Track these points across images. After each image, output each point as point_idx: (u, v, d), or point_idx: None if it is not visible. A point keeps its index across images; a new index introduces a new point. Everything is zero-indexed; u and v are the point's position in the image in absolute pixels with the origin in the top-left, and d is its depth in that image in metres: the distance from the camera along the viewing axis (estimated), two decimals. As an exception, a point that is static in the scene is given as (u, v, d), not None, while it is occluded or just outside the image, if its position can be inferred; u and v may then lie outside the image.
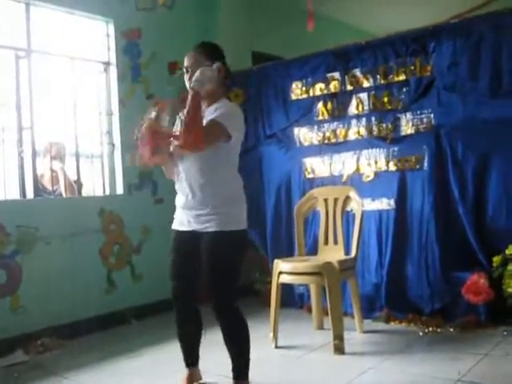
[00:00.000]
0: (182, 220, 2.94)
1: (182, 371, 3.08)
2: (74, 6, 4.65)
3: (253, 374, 3.17)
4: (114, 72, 4.94)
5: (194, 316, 3.03)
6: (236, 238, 2.81)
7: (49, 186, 4.73)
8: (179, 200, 2.96)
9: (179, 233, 2.97)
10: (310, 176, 4.87)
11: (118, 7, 4.91)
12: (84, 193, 4.89)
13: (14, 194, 4.32)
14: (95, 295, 4.58)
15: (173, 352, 3.76)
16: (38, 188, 4.49)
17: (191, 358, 3.09)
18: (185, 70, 2.92)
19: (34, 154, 4.38)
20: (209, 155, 2.75)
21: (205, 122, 2.73)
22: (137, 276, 4.92)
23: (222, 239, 2.78)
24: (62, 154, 4.86)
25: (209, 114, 2.81)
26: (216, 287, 2.78)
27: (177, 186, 2.96)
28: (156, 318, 4.78)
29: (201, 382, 3.12)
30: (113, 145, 4.94)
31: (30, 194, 4.36)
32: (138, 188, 4.97)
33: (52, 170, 4.70)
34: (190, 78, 2.83)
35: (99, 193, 4.92)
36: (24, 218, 4.15)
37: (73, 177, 4.85)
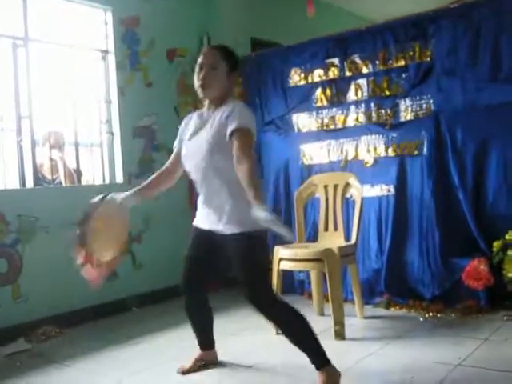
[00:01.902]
0: (204, 219, 2.94)
1: (184, 358, 3.11)
2: (71, -7, 4.63)
3: (254, 360, 3.21)
4: (112, 60, 4.91)
5: (203, 305, 3.10)
6: (262, 236, 2.81)
7: (48, 175, 4.73)
8: (200, 199, 2.95)
9: (199, 229, 2.98)
10: (309, 162, 4.86)
11: (117, -5, 4.89)
12: (84, 182, 4.89)
13: (13, 184, 4.31)
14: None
15: (173, 339, 3.80)
16: (38, 177, 4.48)
17: (202, 342, 3.17)
18: (199, 66, 2.85)
19: (33, 144, 4.37)
20: (228, 157, 2.72)
21: (227, 129, 2.71)
22: (137, 264, 4.92)
23: (253, 240, 2.75)
24: (61, 143, 4.85)
25: (218, 116, 2.79)
26: (256, 287, 2.75)
27: (196, 184, 2.93)
28: (156, 305, 4.80)
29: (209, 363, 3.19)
30: (112, 133, 4.93)
31: (29, 184, 4.35)
32: (138, 176, 4.95)
33: (51, 159, 4.70)
34: (204, 77, 2.80)
35: (99, 181, 4.92)
36: (24, 207, 4.15)
37: (72, 166, 4.85)
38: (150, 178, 3.07)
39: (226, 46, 2.94)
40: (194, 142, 2.88)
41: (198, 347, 3.20)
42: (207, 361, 3.20)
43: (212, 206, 2.86)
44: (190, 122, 3.01)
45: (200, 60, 2.85)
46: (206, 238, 2.92)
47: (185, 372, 3.13)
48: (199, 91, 2.85)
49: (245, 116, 2.76)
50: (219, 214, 2.81)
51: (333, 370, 2.76)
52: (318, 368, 2.76)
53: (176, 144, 3.07)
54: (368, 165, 4.51)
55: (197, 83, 2.85)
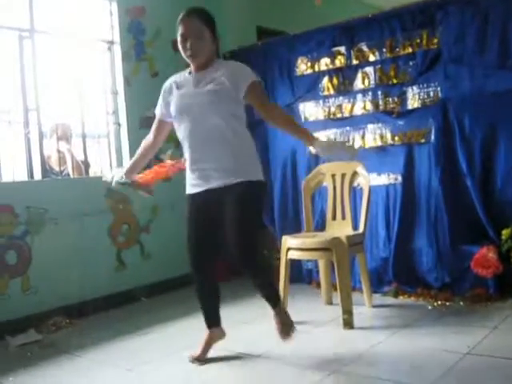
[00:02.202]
0: (199, 181, 2.96)
1: (194, 347, 3.12)
2: (76, -16, 4.62)
3: (263, 349, 3.23)
4: (118, 51, 4.91)
5: (212, 282, 3.14)
6: (263, 187, 3.01)
7: (56, 167, 4.74)
8: (195, 161, 2.96)
9: (195, 196, 2.99)
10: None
11: (121, -15, 4.87)
12: (91, 173, 4.90)
13: (22, 176, 4.33)
14: (105, 274, 4.61)
15: (182, 329, 3.82)
16: (46, 169, 4.50)
17: (211, 321, 3.19)
18: (182, 37, 2.89)
19: (41, 136, 4.39)
20: (230, 110, 2.88)
21: (240, 87, 2.87)
22: (146, 254, 4.94)
23: (253, 188, 2.89)
24: (69, 135, 4.87)
25: (215, 74, 2.89)
26: (245, 235, 2.85)
27: (189, 147, 2.97)
28: (165, 295, 4.82)
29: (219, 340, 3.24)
30: (119, 124, 4.94)
31: (37, 176, 4.37)
32: (145, 167, 4.96)
33: (59, 151, 4.71)
34: (191, 48, 2.86)
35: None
36: (33, 199, 4.17)
37: (80, 157, 4.86)
38: (137, 153, 3.26)
39: (205, 12, 2.97)
40: (192, 99, 2.90)
41: (207, 327, 3.20)
42: (216, 339, 3.21)
43: (213, 162, 2.89)
44: (178, 84, 3.01)
45: (182, 30, 2.88)
46: (204, 202, 2.96)
47: (199, 359, 3.13)
48: (189, 60, 2.92)
49: (245, 70, 2.95)
50: (223, 167, 2.88)
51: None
52: (278, 305, 3.10)
53: (158, 110, 3.12)
54: (375, 153, 4.49)
55: (185, 53, 2.91)
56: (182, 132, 2.99)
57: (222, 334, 3.24)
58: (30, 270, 4.13)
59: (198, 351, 3.17)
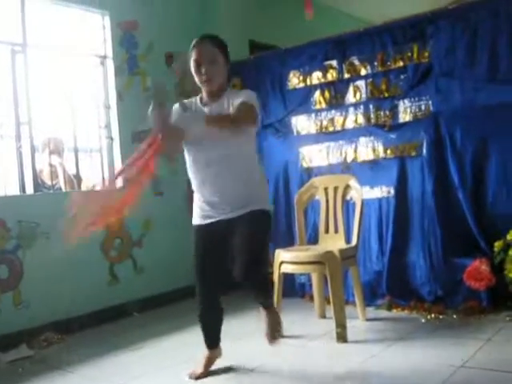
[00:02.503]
0: (210, 213, 2.95)
1: (187, 362, 3.09)
2: (69, -1, 4.63)
3: (257, 363, 3.21)
4: (110, 65, 4.91)
5: (218, 309, 3.13)
6: (270, 217, 3.02)
7: (48, 181, 4.72)
8: (205, 194, 2.94)
9: (203, 227, 2.98)
10: (308, 165, 4.87)
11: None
12: (84, 187, 4.89)
13: (13, 190, 4.31)
14: (97, 289, 4.58)
15: (176, 344, 3.80)
16: (38, 183, 4.48)
17: (212, 342, 3.18)
18: (196, 63, 2.87)
19: (33, 150, 4.37)
20: (241, 141, 2.86)
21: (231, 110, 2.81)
22: (139, 269, 4.92)
23: (263, 216, 2.93)
24: (61, 149, 4.86)
25: (227, 103, 2.86)
26: (255, 260, 2.83)
27: (199, 180, 2.95)
28: (158, 310, 4.80)
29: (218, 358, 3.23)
30: (111, 138, 4.93)
31: (29, 190, 4.35)
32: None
33: (51, 165, 4.69)
34: (207, 73, 2.84)
35: (99, 187, 4.92)
36: (24, 213, 4.15)
37: (72, 171, 4.84)
38: None
39: (217, 37, 2.96)
40: (209, 130, 2.78)
41: (207, 347, 3.18)
42: (215, 358, 3.20)
43: (230, 193, 2.89)
44: (188, 110, 2.95)
45: (196, 56, 2.87)
46: (212, 233, 2.96)
47: (200, 377, 3.10)
48: (204, 85, 2.90)
49: (250, 95, 2.84)
50: (239, 198, 2.88)
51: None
52: (269, 306, 3.07)
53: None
54: (367, 166, 4.50)
55: (199, 79, 2.89)
56: (196, 161, 2.94)
57: (220, 353, 3.24)
58: (22, 285, 4.09)
59: (199, 369, 3.13)
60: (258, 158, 3.08)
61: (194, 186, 3.01)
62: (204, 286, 3.03)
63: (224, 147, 2.83)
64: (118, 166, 4.87)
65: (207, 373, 3.13)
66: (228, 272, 2.93)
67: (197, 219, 3.03)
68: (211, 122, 2.71)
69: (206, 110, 2.92)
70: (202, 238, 3.01)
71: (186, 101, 3.04)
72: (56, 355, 3.82)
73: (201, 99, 2.99)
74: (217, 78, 2.88)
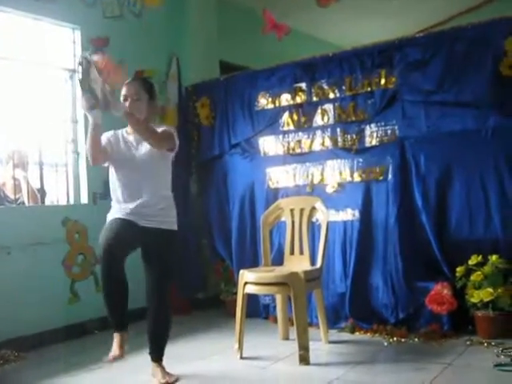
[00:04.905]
0: (126, 213, 3.19)
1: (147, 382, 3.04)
2: (40, 12, 4.58)
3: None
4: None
5: (121, 274, 3.17)
6: (177, 237, 3.37)
7: (11, 195, 4.63)
8: (123, 197, 3.24)
9: (121, 218, 3.19)
10: (274, 186, 4.88)
11: (86, 14, 4.84)
12: (47, 201, 4.81)
13: (-26, 203, 4.22)
14: (58, 306, 4.48)
15: (135, 363, 3.72)
16: (0, 197, 4.39)
17: (121, 322, 3.20)
18: (123, 97, 3.24)
19: (-4, 162, 4.30)
20: (160, 160, 3.25)
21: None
22: (100, 287, 4.82)
23: (173, 238, 3.30)
24: (25, 162, 4.77)
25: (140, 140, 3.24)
26: (166, 277, 3.31)
27: (118, 185, 3.27)
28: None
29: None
30: (77, 153, 4.87)
31: (-9, 203, 4.27)
32: (103, 197, 4.88)
33: (14, 179, 4.61)
34: (129, 106, 3.20)
35: (63, 202, 4.85)
36: (-15, 227, 4.06)
37: (36, 185, 4.76)
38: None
39: (145, 79, 3.48)
40: (132, 157, 3.25)
41: (115, 330, 3.19)
42: (126, 341, 3.21)
43: (146, 205, 3.20)
44: (119, 138, 3.34)
45: (125, 91, 3.26)
46: (129, 224, 3.17)
47: (120, 357, 3.15)
48: (125, 118, 3.16)
49: (171, 128, 3.34)
50: (153, 212, 3.21)
51: None
52: (161, 359, 3.27)
53: (105, 141, 3.30)
54: (333, 189, 4.53)
55: (125, 112, 3.15)
56: (119, 177, 3.28)
57: (126, 338, 3.25)
58: (-20, 301, 3.99)
59: (116, 352, 3.14)
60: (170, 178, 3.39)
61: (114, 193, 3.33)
62: (110, 249, 3.08)
63: (142, 171, 3.21)
64: (84, 180, 4.83)
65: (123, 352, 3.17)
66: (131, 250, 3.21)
67: (117, 213, 3.25)
68: (135, 124, 3.10)
69: (130, 138, 3.30)
70: (117, 221, 3.19)
71: (118, 131, 3.40)
72: (13, 374, 3.72)
73: (126, 131, 3.35)
74: (137, 113, 3.19)
